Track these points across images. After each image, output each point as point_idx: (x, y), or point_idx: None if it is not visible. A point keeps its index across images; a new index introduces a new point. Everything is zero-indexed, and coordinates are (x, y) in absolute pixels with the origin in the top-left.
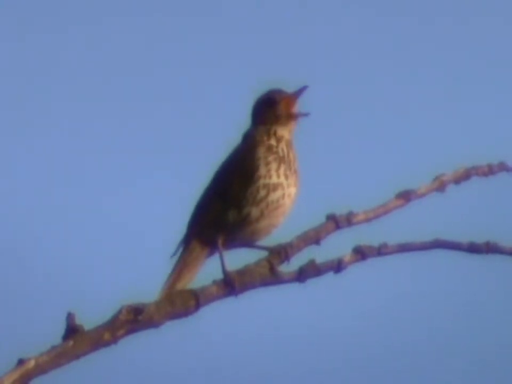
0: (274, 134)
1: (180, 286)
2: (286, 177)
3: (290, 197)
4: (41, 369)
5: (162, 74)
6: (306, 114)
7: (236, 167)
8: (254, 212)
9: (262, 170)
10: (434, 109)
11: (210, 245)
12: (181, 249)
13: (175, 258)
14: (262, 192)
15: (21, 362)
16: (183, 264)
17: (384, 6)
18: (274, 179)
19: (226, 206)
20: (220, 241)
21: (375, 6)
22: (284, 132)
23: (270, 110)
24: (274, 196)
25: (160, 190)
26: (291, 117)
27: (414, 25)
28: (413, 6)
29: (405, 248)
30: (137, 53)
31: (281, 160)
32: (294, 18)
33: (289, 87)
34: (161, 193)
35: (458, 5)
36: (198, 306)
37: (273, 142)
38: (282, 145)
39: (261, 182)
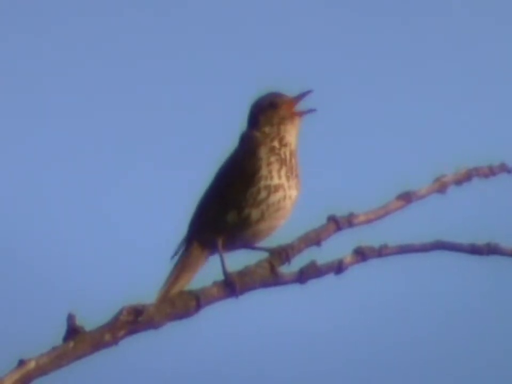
0: (280, 140)
1: (179, 286)
2: (288, 178)
3: (291, 199)
4: (41, 370)
5: (161, 72)
6: (312, 111)
7: (237, 168)
8: (254, 213)
9: (264, 171)
10: (434, 110)
11: (210, 246)
12: (181, 250)
13: (175, 259)
14: (263, 194)
15: (21, 363)
16: (182, 265)
17: (382, 5)
18: (275, 180)
19: (226, 207)
20: (219, 243)
21: (376, 4)
22: (290, 138)
23: (274, 112)
24: (275, 197)
25: (162, 190)
26: (296, 116)
27: (411, 25)
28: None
29: (405, 249)
30: (137, 52)
31: (283, 162)
32: (293, 17)
33: (287, 87)
34: (162, 193)
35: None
36: (198, 307)
37: (276, 144)
38: (285, 149)
39: (262, 183)
